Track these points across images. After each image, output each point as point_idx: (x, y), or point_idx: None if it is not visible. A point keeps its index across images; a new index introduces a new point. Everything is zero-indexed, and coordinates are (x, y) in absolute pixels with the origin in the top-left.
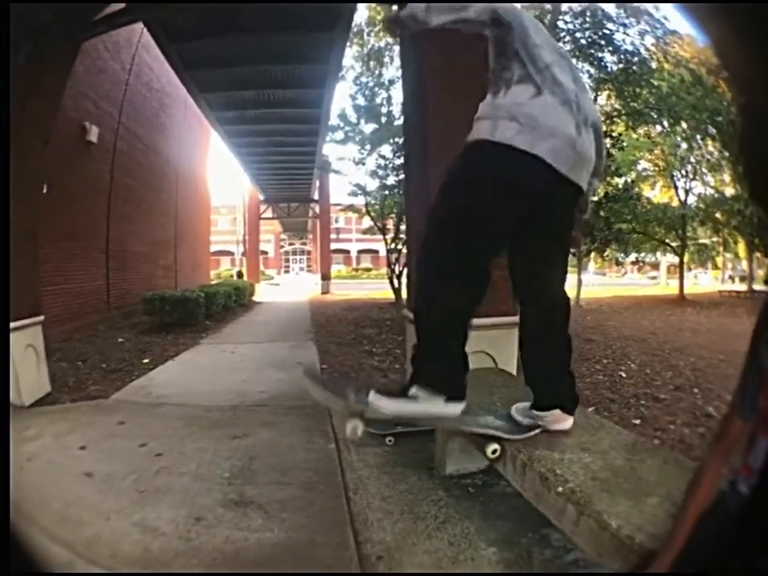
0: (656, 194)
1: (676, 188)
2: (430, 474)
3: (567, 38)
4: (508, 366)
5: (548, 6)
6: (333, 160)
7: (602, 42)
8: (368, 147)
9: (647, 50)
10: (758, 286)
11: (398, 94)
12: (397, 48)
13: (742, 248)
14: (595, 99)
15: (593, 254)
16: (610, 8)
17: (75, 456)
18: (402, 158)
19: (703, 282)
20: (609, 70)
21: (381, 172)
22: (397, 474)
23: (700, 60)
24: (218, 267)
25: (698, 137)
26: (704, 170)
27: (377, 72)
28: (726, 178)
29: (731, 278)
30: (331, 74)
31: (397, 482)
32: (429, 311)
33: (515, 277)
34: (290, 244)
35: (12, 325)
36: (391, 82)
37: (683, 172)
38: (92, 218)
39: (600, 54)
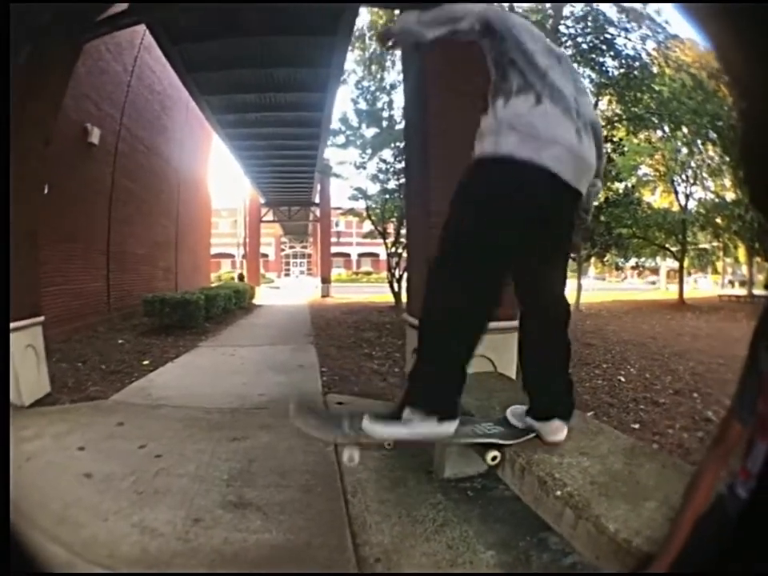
0: (656, 198)
1: (676, 193)
2: (428, 477)
3: (569, 43)
4: (507, 370)
5: (550, 10)
6: (334, 164)
7: (604, 47)
8: (369, 151)
9: (648, 54)
10: (758, 291)
11: (399, 98)
12: (398, 52)
13: (742, 253)
14: (596, 104)
15: (593, 259)
16: (612, 12)
17: (74, 456)
18: (403, 162)
19: (703, 286)
20: (610, 74)
21: (382, 176)
22: (395, 478)
23: (701, 64)
24: (219, 270)
25: (699, 141)
26: (704, 174)
27: (378, 76)
28: (727, 182)
29: (731, 282)
30: (333, 78)
31: (395, 485)
32: (441, 321)
33: (517, 283)
34: (291, 247)
35: (12, 325)
36: (393, 86)
37: (684, 177)
38: (93, 219)
39: (601, 59)
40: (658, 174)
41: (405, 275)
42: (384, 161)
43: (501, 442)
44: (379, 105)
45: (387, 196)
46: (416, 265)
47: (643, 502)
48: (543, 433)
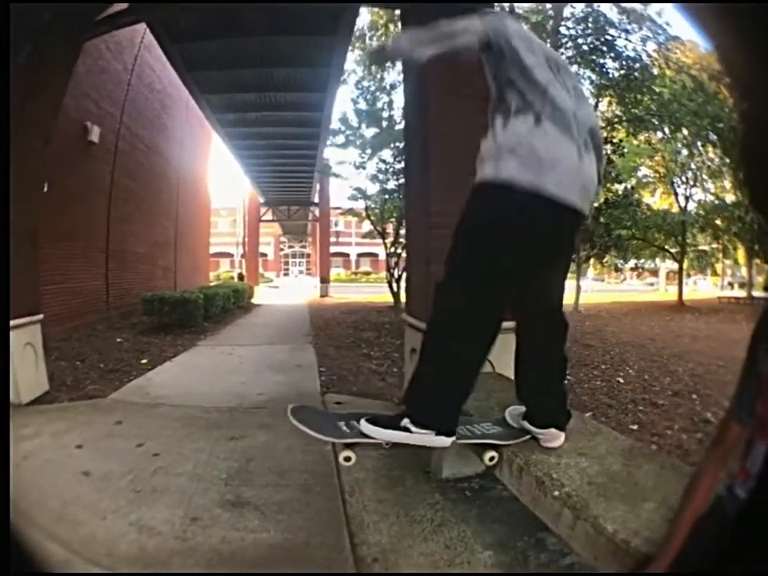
0: (656, 200)
1: (676, 194)
2: (426, 477)
3: (569, 44)
4: (506, 370)
5: (550, 11)
6: (333, 163)
7: (604, 48)
8: (369, 151)
9: (649, 56)
10: (758, 293)
11: (399, 98)
12: None
13: (741, 254)
14: (596, 106)
15: (592, 260)
16: (613, 14)
17: (72, 455)
18: (403, 163)
19: (702, 288)
20: (610, 76)
21: (381, 176)
22: (393, 477)
23: (702, 66)
24: (218, 269)
25: (699, 143)
26: (704, 176)
27: (378, 76)
28: (727, 184)
29: (730, 284)
30: (333, 78)
31: (393, 484)
32: (444, 345)
33: (516, 297)
34: (290, 247)
35: (11, 323)
36: (392, 86)
37: (683, 178)
38: (92, 217)
39: (602, 60)
40: (657, 175)
41: (404, 275)
42: (383, 161)
43: (499, 442)
44: (379, 105)
45: (386, 196)
46: (415, 265)
47: (642, 503)
48: (540, 439)
